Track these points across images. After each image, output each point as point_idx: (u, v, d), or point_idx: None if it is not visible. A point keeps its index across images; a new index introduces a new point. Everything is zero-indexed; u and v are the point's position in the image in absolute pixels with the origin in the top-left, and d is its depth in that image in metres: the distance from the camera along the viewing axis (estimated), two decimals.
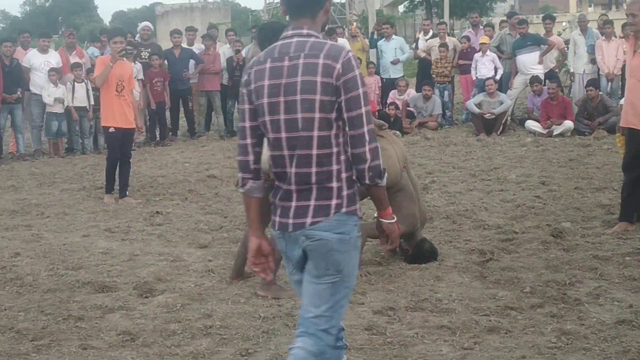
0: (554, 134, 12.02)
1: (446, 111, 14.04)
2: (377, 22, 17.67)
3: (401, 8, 47.98)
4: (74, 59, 12.51)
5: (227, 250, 6.28)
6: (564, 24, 25.55)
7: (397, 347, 4.22)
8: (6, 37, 13.80)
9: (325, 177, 2.89)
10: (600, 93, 12.30)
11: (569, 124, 12.08)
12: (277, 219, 3.02)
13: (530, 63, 13.02)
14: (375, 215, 3.13)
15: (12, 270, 5.84)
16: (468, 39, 14.44)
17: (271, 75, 2.94)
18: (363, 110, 2.85)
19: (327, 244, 2.91)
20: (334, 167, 2.89)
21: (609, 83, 13.09)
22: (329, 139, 2.88)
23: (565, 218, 6.94)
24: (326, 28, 5.46)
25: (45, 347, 4.37)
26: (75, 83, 12.03)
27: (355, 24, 18.97)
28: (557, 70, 13.92)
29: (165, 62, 13.26)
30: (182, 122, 13.95)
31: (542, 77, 12.94)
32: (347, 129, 2.86)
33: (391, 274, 5.54)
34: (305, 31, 2.96)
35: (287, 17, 3.04)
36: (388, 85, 14.18)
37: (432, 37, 15.14)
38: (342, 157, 2.90)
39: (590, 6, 53.80)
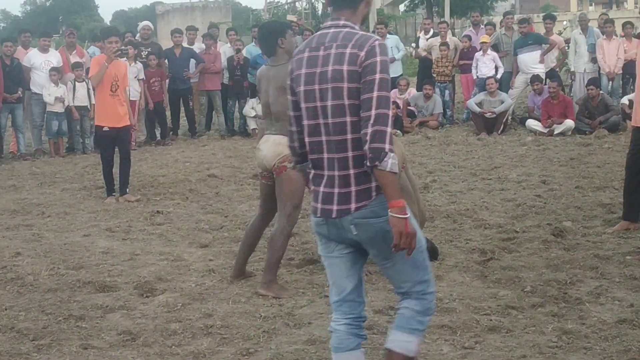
0: (555, 133, 12.02)
1: (447, 110, 14.03)
2: (377, 21, 17.67)
3: (402, 7, 47.93)
4: (74, 58, 12.51)
5: (228, 250, 6.29)
6: (564, 22, 25.55)
7: None
8: (7, 36, 13.80)
9: (362, 160, 2.98)
10: (601, 92, 12.29)
11: (569, 123, 12.08)
12: (320, 205, 3.13)
13: (532, 62, 13.01)
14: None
15: (13, 270, 5.85)
16: (469, 38, 14.44)
17: (308, 64, 3.10)
18: (375, 94, 2.93)
19: (380, 229, 3.00)
20: None
21: (610, 82, 13.08)
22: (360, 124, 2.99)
23: (566, 217, 6.94)
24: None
25: (46, 346, 4.37)
26: (76, 82, 12.04)
27: None
28: (557, 70, 13.91)
29: (166, 61, 13.26)
30: (183, 121, 13.95)
31: (543, 76, 12.94)
32: (361, 110, 2.96)
33: None
34: (341, 22, 3.11)
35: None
36: None
37: (432, 36, 15.14)
38: None
39: (591, 5, 53.81)
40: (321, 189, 3.11)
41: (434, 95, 13.54)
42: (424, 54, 14.71)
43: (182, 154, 11.71)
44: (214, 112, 13.83)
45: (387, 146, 2.90)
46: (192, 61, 13.27)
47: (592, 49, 13.18)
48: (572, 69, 13.87)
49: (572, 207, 7.34)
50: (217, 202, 8.31)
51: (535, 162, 9.96)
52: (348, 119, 3.00)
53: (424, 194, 7.82)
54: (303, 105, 3.12)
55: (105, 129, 8.38)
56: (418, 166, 9.74)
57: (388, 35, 14.60)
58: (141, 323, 4.71)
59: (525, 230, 6.55)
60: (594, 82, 12.34)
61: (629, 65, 12.90)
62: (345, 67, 2.98)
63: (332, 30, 3.10)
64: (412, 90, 14.21)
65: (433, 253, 5.81)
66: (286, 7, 33.89)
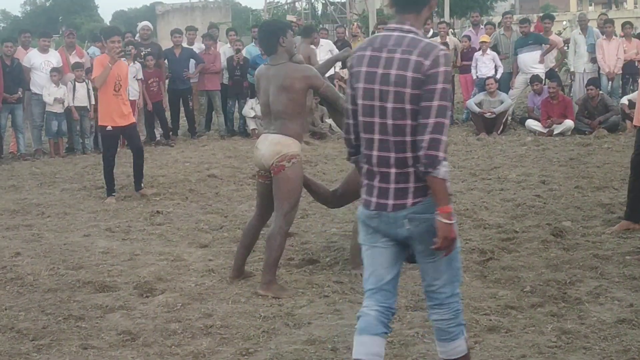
0: (555, 133, 12.02)
1: None
2: (377, 22, 17.68)
3: None
4: (73, 58, 12.51)
5: (228, 250, 6.29)
6: (564, 22, 25.57)
7: (398, 347, 4.22)
8: (7, 36, 13.80)
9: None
10: (601, 92, 12.29)
11: (569, 123, 12.08)
12: (374, 199, 3.25)
13: (531, 62, 13.02)
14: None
15: (13, 270, 5.85)
16: (468, 38, 14.43)
17: (370, 63, 3.21)
18: (435, 103, 3.06)
19: (432, 226, 3.12)
20: None
21: (610, 82, 13.08)
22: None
23: (565, 217, 6.94)
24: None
25: (45, 346, 4.38)
26: (76, 83, 12.03)
27: (356, 24, 18.98)
28: (557, 70, 13.91)
29: (166, 61, 13.26)
30: (183, 121, 13.95)
31: (543, 76, 12.94)
32: (419, 117, 3.09)
33: None
34: (406, 27, 3.19)
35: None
36: None
37: (432, 37, 15.12)
38: None
39: (590, 5, 53.83)
40: (376, 183, 3.25)
41: None
42: None
43: (182, 154, 11.71)
44: (213, 112, 13.82)
45: (441, 154, 3.06)
46: (192, 61, 13.27)
47: (591, 49, 13.18)
48: (571, 69, 13.87)
49: (572, 207, 7.35)
50: (217, 202, 8.31)
51: (535, 162, 9.97)
52: (409, 122, 3.12)
53: None
54: (360, 102, 3.24)
55: (109, 128, 8.38)
56: None
57: None
58: (141, 323, 4.72)
59: (525, 230, 6.55)
60: (594, 82, 12.34)
61: (628, 66, 12.92)
62: (409, 74, 3.08)
63: (396, 33, 3.19)
64: None
65: None
66: (286, 7, 33.90)
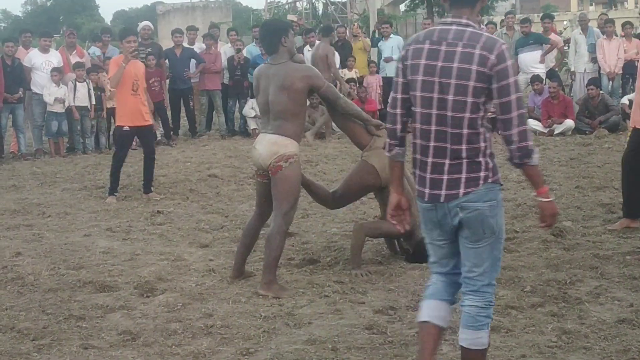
0: (555, 132, 12.03)
1: None
2: (378, 21, 17.67)
3: (402, 7, 47.90)
4: (74, 58, 12.51)
5: (228, 250, 6.29)
6: (565, 22, 25.56)
7: (398, 346, 4.22)
8: (7, 36, 13.81)
9: (474, 152, 3.27)
10: (601, 92, 12.30)
11: (569, 122, 12.08)
12: (427, 190, 3.34)
13: (532, 62, 13.02)
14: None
15: (14, 270, 5.85)
16: None
17: (428, 56, 3.25)
18: (513, 97, 3.17)
19: (481, 213, 3.26)
20: (482, 144, 3.28)
21: (610, 82, 13.09)
22: (476, 120, 3.23)
23: (565, 217, 6.94)
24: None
25: (46, 346, 4.38)
26: (77, 82, 12.04)
27: (356, 23, 18.97)
28: (557, 69, 13.91)
29: (167, 61, 13.27)
30: (183, 121, 13.96)
31: (543, 76, 12.94)
32: (498, 113, 3.19)
33: (392, 273, 5.55)
34: (464, 21, 3.26)
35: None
36: (388, 84, 14.16)
37: None
38: (487, 135, 3.31)
39: (591, 5, 53.81)
40: (428, 174, 3.32)
41: None
42: None
43: (183, 154, 11.71)
44: (214, 112, 13.83)
45: (531, 143, 3.24)
46: (193, 61, 13.28)
47: (592, 49, 13.19)
48: (572, 69, 13.88)
49: (572, 207, 7.35)
50: (218, 202, 8.31)
51: None
52: (467, 114, 3.20)
53: None
54: (418, 94, 3.28)
55: (126, 128, 8.38)
56: None
57: (392, 36, 14.60)
58: (141, 323, 4.72)
59: (525, 230, 6.55)
60: (594, 82, 12.35)
61: (629, 65, 12.91)
62: (474, 67, 3.15)
63: (454, 27, 3.25)
64: None
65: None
66: (287, 7, 33.85)
